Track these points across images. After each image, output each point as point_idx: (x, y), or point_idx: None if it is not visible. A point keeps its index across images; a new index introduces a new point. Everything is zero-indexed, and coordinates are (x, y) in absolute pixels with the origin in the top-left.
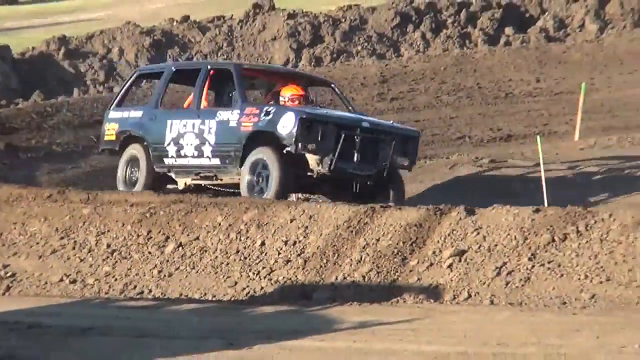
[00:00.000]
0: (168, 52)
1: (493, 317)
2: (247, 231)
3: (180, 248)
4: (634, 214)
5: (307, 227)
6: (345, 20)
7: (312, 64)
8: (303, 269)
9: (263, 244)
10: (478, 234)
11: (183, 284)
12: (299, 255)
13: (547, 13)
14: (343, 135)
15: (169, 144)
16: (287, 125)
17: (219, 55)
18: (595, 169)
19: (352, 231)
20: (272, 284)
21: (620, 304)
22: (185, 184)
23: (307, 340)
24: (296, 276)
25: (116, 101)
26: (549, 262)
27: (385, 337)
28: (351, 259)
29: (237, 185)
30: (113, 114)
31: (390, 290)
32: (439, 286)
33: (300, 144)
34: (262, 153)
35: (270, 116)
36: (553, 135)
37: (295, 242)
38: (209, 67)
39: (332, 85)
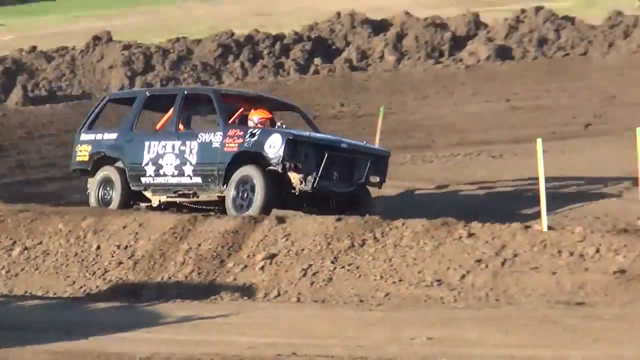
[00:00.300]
0: (17, 79)
1: (299, 312)
2: (85, 236)
3: (26, 251)
4: (424, 223)
5: (137, 233)
6: (173, 51)
7: None
8: (133, 270)
9: (99, 247)
10: (287, 239)
11: (28, 283)
12: (129, 257)
13: (351, 45)
14: (326, 156)
15: (147, 164)
16: (274, 146)
17: (62, 81)
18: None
19: (176, 237)
20: (106, 283)
21: (410, 302)
22: (160, 201)
23: (136, 333)
24: (127, 276)
25: (86, 125)
26: (349, 265)
27: (205, 330)
28: (175, 261)
29: (214, 203)
30: (84, 136)
31: (209, 289)
32: (252, 285)
33: (286, 164)
34: (247, 171)
35: (256, 137)
36: None
37: (126, 246)
38: (185, 92)
39: (298, 109)
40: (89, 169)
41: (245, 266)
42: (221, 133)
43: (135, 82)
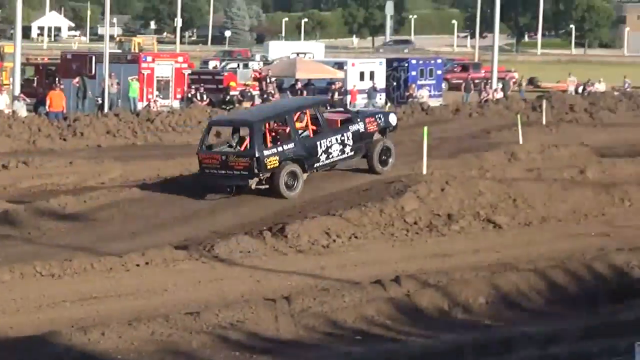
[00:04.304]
0: None
1: None
2: None
3: None
4: None
5: None
6: None
7: None
8: None
9: None
10: None
11: None
12: None
13: None
14: None
15: (321, 154)
16: (393, 120)
17: None
18: None
19: None
20: None
21: None
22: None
23: None
24: None
25: (261, 142)
26: None
27: None
28: None
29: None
30: (267, 152)
31: None
32: None
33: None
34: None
35: (383, 119)
36: None
37: None
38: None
39: None
40: (278, 169)
41: None
42: (362, 123)
43: None
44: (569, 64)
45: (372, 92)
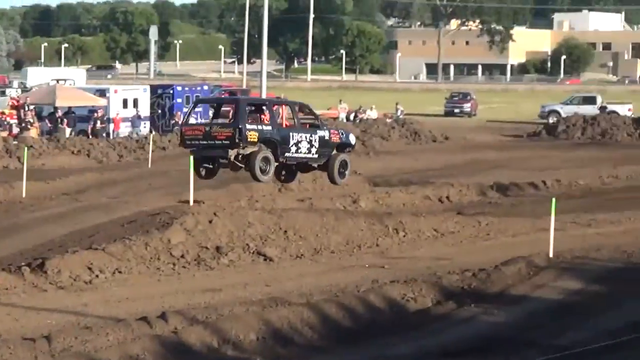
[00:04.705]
0: None
1: None
2: None
3: None
4: None
5: None
6: None
7: None
8: None
9: None
10: None
11: None
12: None
13: None
14: None
15: (292, 145)
16: (353, 139)
17: None
18: None
19: None
20: None
21: None
22: (281, 162)
23: None
24: None
25: (244, 118)
26: None
27: None
28: None
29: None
30: (249, 126)
31: None
32: None
33: None
34: (341, 155)
35: (344, 135)
36: None
37: None
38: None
39: None
40: (256, 148)
41: None
42: (328, 131)
43: None
44: (339, 90)
45: (136, 120)
